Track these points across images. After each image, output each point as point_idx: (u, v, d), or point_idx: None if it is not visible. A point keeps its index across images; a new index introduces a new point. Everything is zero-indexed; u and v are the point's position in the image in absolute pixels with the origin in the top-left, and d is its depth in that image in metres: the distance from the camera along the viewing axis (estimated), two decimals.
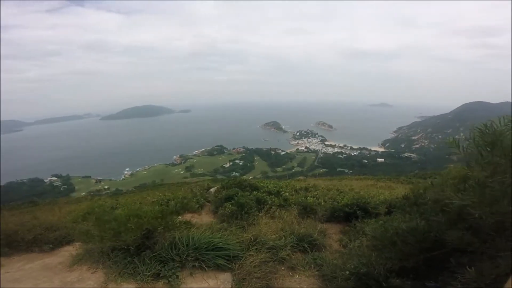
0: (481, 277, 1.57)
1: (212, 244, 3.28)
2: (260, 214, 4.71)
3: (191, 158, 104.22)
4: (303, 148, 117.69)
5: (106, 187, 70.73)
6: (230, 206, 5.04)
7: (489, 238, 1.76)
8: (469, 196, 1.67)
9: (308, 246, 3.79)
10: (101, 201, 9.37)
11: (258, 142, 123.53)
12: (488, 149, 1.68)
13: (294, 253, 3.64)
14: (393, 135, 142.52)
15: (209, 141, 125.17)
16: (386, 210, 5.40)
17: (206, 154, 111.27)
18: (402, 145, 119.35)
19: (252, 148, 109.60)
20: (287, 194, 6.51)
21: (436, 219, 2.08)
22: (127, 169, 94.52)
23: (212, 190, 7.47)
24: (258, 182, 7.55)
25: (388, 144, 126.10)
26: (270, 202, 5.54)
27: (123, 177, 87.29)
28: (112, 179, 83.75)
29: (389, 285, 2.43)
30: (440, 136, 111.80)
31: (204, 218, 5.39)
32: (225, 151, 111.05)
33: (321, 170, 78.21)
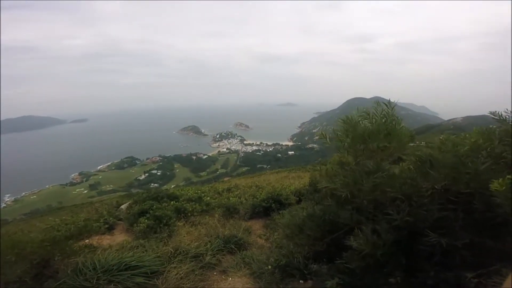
0: (375, 245, 1.74)
1: (124, 264, 3.05)
2: (180, 224, 4.60)
3: (95, 175, 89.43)
4: (224, 149, 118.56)
5: None
6: (146, 220, 4.79)
7: (370, 215, 1.97)
8: (338, 179, 1.97)
9: (235, 247, 3.84)
10: None
11: (177, 149, 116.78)
12: (348, 137, 2.00)
13: (223, 256, 3.65)
14: (298, 130, 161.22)
15: (116, 153, 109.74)
16: (297, 199, 5.99)
17: (114, 168, 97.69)
18: (306, 138, 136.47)
19: (170, 156, 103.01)
20: (209, 198, 6.56)
21: (328, 203, 2.27)
22: (8, 195, 73.34)
23: (123, 206, 6.87)
24: (177, 191, 7.28)
25: (295, 138, 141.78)
26: (190, 209, 5.48)
27: (3, 204, 67.33)
28: None
29: (309, 271, 2.61)
30: (332, 128, 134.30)
31: (117, 238, 4.93)
32: (138, 162, 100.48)
33: (244, 169, 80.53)
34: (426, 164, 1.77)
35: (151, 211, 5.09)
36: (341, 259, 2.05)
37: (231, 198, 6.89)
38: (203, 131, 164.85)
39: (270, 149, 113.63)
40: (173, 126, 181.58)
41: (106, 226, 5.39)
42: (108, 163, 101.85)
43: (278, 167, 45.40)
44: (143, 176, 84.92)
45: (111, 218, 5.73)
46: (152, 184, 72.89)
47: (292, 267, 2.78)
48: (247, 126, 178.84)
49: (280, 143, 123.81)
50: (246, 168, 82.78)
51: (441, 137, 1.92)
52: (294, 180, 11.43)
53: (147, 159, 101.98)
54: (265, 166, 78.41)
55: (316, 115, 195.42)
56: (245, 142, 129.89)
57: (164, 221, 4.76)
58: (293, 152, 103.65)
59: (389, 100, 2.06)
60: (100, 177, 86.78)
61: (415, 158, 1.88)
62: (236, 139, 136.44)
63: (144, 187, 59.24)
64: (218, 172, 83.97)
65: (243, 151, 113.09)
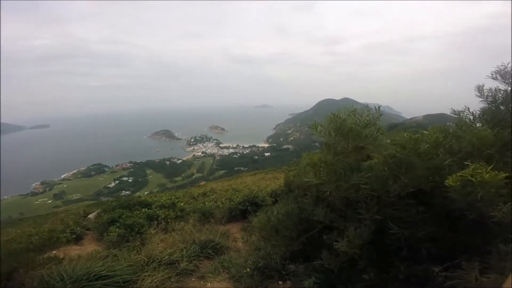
0: (349, 245, 1.78)
1: (94, 274, 2.93)
2: (153, 232, 4.45)
3: (59, 184, 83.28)
4: (199, 153, 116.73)
5: None
6: (117, 229, 4.60)
7: (342, 212, 2.02)
8: (321, 175, 2.00)
9: (212, 252, 3.80)
10: None
11: (149, 154, 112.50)
12: (333, 133, 2.03)
13: (201, 262, 3.60)
14: (273, 132, 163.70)
15: (82, 161, 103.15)
16: (274, 199, 6.00)
17: (80, 176, 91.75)
18: (281, 139, 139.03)
19: (142, 162, 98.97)
20: (183, 204, 6.39)
21: (303, 201, 2.31)
22: None
23: (91, 216, 6.55)
24: (149, 197, 7.03)
25: (271, 139, 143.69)
26: (163, 216, 5.32)
27: None
28: None
29: (287, 271, 2.62)
30: (306, 129, 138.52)
31: (87, 248, 4.72)
32: (107, 170, 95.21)
33: (221, 172, 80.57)
34: (394, 163, 1.86)
35: (121, 220, 4.88)
36: (317, 258, 2.07)
37: (206, 203, 6.78)
38: (176, 135, 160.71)
39: (247, 151, 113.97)
40: (145, 131, 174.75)
41: (74, 236, 5.16)
42: (74, 171, 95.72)
43: (255, 169, 45.68)
44: (112, 184, 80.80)
45: (78, 228, 5.47)
46: (123, 191, 69.97)
47: (270, 269, 2.80)
48: (222, 129, 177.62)
49: (257, 145, 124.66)
50: (223, 171, 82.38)
51: (405, 135, 2.02)
52: (271, 181, 11.54)
53: (116, 165, 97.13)
54: (242, 168, 78.49)
55: (290, 117, 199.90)
56: (221, 145, 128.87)
57: (136, 229, 4.61)
58: (269, 154, 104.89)
59: (366, 105, 2.17)
60: (65, 185, 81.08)
61: (383, 158, 1.96)
62: (212, 142, 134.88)
63: (115, 195, 56.48)
64: (194, 177, 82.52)
65: (220, 154, 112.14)
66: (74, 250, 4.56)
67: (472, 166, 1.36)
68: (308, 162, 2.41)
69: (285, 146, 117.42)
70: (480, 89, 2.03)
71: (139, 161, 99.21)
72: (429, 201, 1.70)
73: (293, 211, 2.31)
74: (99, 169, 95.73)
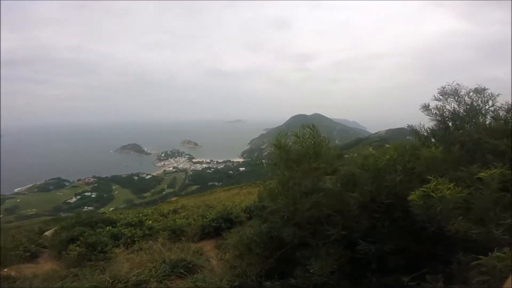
0: (322, 267, 1.80)
1: None
2: (118, 251, 4.16)
3: (12, 198, 74.89)
4: (171, 168, 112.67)
5: None
6: (77, 248, 4.32)
7: (311, 230, 2.03)
8: (280, 199, 2.06)
9: (185, 271, 3.64)
10: None
11: (115, 169, 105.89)
12: (281, 160, 2.11)
13: (172, 282, 3.42)
14: (248, 147, 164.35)
15: (39, 174, 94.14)
16: (248, 215, 5.98)
17: (36, 190, 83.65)
18: (256, 154, 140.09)
19: (107, 176, 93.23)
20: (151, 222, 6.09)
21: (273, 221, 2.30)
22: None
23: (47, 233, 6.03)
24: (114, 214, 6.61)
25: (245, 154, 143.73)
26: (129, 235, 5.01)
27: None
28: None
29: None
30: (267, 151, 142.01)
31: (43, 267, 4.35)
32: (67, 184, 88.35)
33: (194, 187, 78.31)
34: (350, 181, 1.97)
35: (81, 238, 4.51)
36: (292, 275, 2.08)
37: (177, 220, 6.55)
38: (145, 149, 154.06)
39: (221, 166, 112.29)
40: (111, 145, 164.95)
41: (28, 254, 4.76)
42: (29, 185, 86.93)
43: (229, 184, 45.06)
44: (74, 199, 75.11)
45: (33, 246, 5.05)
46: (86, 207, 64.85)
47: (246, 287, 2.70)
48: (195, 144, 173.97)
49: (231, 159, 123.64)
50: (196, 186, 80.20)
51: (369, 150, 2.17)
52: (245, 197, 11.47)
53: (78, 180, 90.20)
54: (216, 183, 77.02)
55: (264, 132, 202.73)
56: (194, 160, 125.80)
57: (99, 248, 4.27)
58: (244, 168, 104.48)
59: (313, 125, 2.25)
60: (18, 200, 73.07)
61: (341, 176, 2.07)
62: (184, 157, 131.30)
63: (76, 211, 51.82)
64: (164, 192, 79.29)
65: (192, 169, 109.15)
66: (28, 269, 4.21)
67: (434, 182, 1.45)
68: (264, 189, 2.46)
69: (260, 161, 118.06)
70: (426, 107, 2.22)
71: (104, 176, 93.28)
72: (392, 215, 1.79)
73: (263, 230, 2.31)
74: (59, 183, 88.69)
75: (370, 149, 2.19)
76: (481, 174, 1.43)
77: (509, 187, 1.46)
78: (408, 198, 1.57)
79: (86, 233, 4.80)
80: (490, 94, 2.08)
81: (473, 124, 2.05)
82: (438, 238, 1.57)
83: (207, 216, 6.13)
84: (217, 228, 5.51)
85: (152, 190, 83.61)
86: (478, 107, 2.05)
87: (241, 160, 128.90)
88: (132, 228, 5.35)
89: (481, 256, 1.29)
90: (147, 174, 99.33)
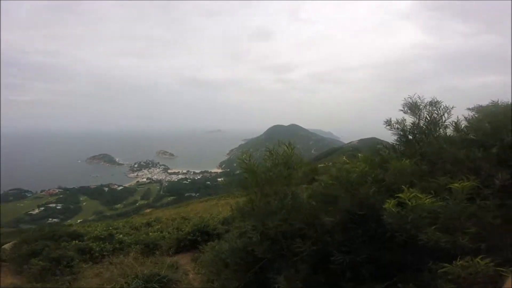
0: (292, 281, 1.85)
1: None
2: (86, 265, 3.88)
3: None
4: (144, 179, 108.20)
5: None
6: (40, 262, 4.01)
7: (285, 245, 2.05)
8: (248, 220, 2.12)
9: (159, 286, 3.50)
10: None
11: (83, 180, 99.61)
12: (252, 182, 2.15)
13: None
14: (227, 157, 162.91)
15: None
16: (226, 227, 5.75)
17: None
18: (235, 164, 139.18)
19: (75, 187, 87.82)
20: (121, 236, 5.76)
21: (248, 236, 2.27)
22: None
23: (6, 246, 5.52)
24: (81, 227, 6.18)
25: (224, 165, 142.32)
26: (98, 249, 4.69)
27: None
28: None
29: None
30: (259, 154, 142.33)
31: (3, 281, 3.97)
32: (29, 195, 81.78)
33: (169, 198, 75.78)
34: (324, 194, 2.03)
35: (44, 252, 4.17)
36: None
37: (150, 233, 6.27)
38: (118, 160, 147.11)
39: (199, 177, 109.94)
40: (80, 154, 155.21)
41: None
42: None
43: (207, 195, 44.08)
44: (36, 210, 69.45)
45: None
46: (50, 219, 60.64)
47: None
48: (171, 154, 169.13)
49: (209, 170, 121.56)
50: (172, 197, 77.50)
51: (343, 159, 2.26)
52: (224, 208, 11.30)
53: (42, 191, 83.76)
54: (193, 194, 75.08)
55: (243, 142, 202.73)
56: (169, 171, 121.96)
57: (65, 262, 3.97)
58: (222, 179, 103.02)
59: (289, 143, 2.32)
60: None
61: (314, 190, 2.13)
62: (159, 168, 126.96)
63: (39, 223, 48.18)
64: (137, 204, 76.13)
65: (168, 180, 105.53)
66: None
67: (409, 193, 1.52)
68: (235, 207, 2.48)
69: (239, 171, 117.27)
70: (388, 122, 2.33)
71: (71, 187, 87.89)
72: (365, 225, 1.84)
73: (239, 245, 2.30)
74: (19, 194, 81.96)
75: (344, 158, 2.29)
76: (454, 185, 1.51)
77: (475, 197, 1.54)
78: (380, 208, 1.62)
79: (49, 247, 4.43)
80: (445, 107, 2.25)
81: (433, 136, 2.18)
82: (409, 247, 1.62)
83: (183, 229, 5.94)
84: (193, 241, 5.34)
85: (124, 202, 79.95)
86: (435, 120, 2.22)
87: (219, 170, 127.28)
88: (101, 242, 5.00)
89: (446, 264, 1.34)
90: (119, 185, 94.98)
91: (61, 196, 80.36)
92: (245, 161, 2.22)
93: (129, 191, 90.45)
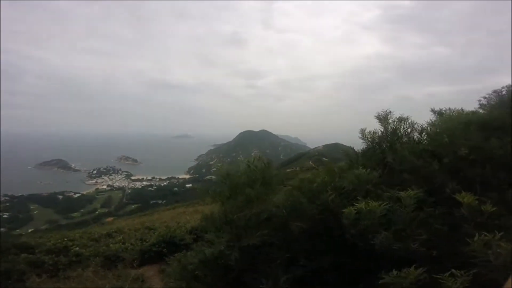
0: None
1: None
2: (39, 280, 3.50)
3: None
4: (104, 186, 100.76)
5: None
6: None
7: (255, 254, 2.08)
8: (223, 234, 2.13)
9: None
10: None
11: (34, 187, 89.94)
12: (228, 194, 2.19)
13: None
14: (195, 163, 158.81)
15: None
16: (195, 236, 5.63)
17: None
18: (204, 170, 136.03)
19: (23, 195, 79.86)
20: (78, 248, 5.29)
21: (217, 246, 2.23)
22: None
23: None
24: (32, 239, 5.55)
25: (192, 171, 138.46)
26: (51, 262, 4.27)
27: None
28: None
29: None
30: (228, 159, 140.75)
31: None
32: None
33: (133, 206, 71.57)
34: (291, 204, 2.11)
35: None
36: None
37: (111, 245, 5.86)
38: (73, 166, 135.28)
39: (165, 183, 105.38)
40: (30, 159, 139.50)
41: None
42: None
43: (175, 202, 42.37)
44: None
45: None
46: None
47: None
48: (135, 160, 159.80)
49: (176, 176, 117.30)
50: (136, 205, 73.15)
51: (310, 165, 2.36)
52: (192, 216, 10.97)
53: None
54: (159, 201, 71.66)
55: (212, 147, 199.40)
56: (132, 177, 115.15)
57: (16, 276, 3.56)
58: (191, 185, 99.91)
59: (269, 161, 2.35)
60: None
61: (282, 201, 2.19)
62: (121, 174, 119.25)
63: None
64: (97, 212, 70.71)
65: (131, 187, 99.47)
66: None
67: (363, 201, 1.64)
68: (205, 215, 2.48)
69: (208, 177, 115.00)
70: (362, 132, 2.52)
71: (19, 195, 79.64)
72: (329, 232, 1.94)
73: (208, 256, 2.24)
74: None
75: (310, 162, 2.40)
76: (401, 194, 1.66)
77: (423, 206, 1.70)
78: (340, 214, 1.72)
79: None
80: (410, 122, 2.48)
81: (395, 147, 2.36)
82: (371, 254, 1.70)
83: (147, 240, 5.64)
84: (159, 253, 5.10)
85: (82, 210, 73.89)
86: (399, 133, 2.44)
87: (187, 176, 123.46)
88: (55, 255, 4.53)
89: (383, 275, 1.44)
90: (76, 193, 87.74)
91: (7, 204, 72.15)
92: (224, 175, 2.22)
93: (87, 199, 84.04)
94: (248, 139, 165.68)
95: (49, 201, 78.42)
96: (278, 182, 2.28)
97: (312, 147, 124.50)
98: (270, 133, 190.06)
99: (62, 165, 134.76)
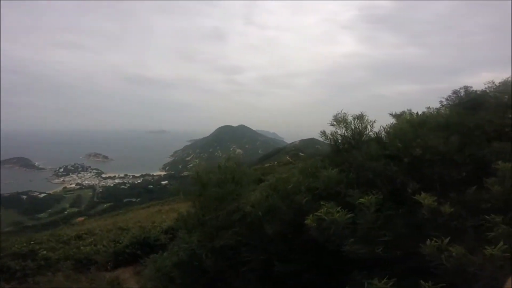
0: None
1: None
2: (8, 286, 3.28)
3: None
4: (73, 185, 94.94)
5: None
6: None
7: (230, 256, 2.09)
8: (195, 236, 2.12)
9: None
10: None
11: None
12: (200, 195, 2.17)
13: None
14: (171, 159, 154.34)
15: None
16: (171, 236, 5.52)
17: None
18: (180, 166, 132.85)
19: None
20: (46, 252, 5.00)
21: (197, 251, 2.23)
22: None
23: None
24: None
25: (168, 167, 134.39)
26: (18, 267, 4.00)
27: None
28: None
29: None
30: (206, 155, 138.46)
31: None
32: None
33: (105, 205, 68.25)
34: (265, 206, 2.15)
35: None
36: None
37: (82, 248, 5.60)
38: (37, 164, 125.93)
39: (139, 181, 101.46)
40: None
41: None
42: None
43: (150, 200, 41.04)
44: None
45: None
46: None
47: None
48: (105, 157, 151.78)
49: (151, 173, 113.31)
50: (109, 204, 69.74)
51: (287, 157, 2.42)
52: (168, 214, 10.71)
53: None
54: (133, 199, 68.92)
55: (189, 143, 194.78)
56: (103, 175, 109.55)
57: None
58: (166, 182, 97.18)
59: (239, 161, 2.38)
60: None
61: (257, 202, 2.23)
62: (91, 172, 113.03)
63: None
64: (66, 212, 66.70)
65: (102, 186, 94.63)
66: None
67: (326, 207, 1.68)
68: (181, 215, 2.47)
69: (185, 173, 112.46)
70: (323, 134, 2.56)
71: None
72: (304, 234, 1.95)
73: (184, 259, 2.23)
74: None
75: (287, 157, 2.47)
76: (361, 200, 1.72)
77: (384, 207, 1.76)
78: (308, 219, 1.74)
79: None
80: (368, 120, 2.60)
81: (357, 148, 2.43)
82: (342, 256, 1.73)
83: (120, 241, 5.45)
84: (133, 254, 4.98)
85: (50, 210, 69.36)
86: (360, 132, 2.55)
87: (163, 173, 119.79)
88: (21, 260, 4.25)
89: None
90: (41, 192, 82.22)
91: None
92: (194, 174, 2.22)
93: (55, 199, 79.14)
94: (226, 134, 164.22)
95: (11, 201, 72.05)
96: (249, 181, 2.31)
97: (289, 142, 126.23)
98: (249, 128, 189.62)
99: (23, 163, 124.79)
